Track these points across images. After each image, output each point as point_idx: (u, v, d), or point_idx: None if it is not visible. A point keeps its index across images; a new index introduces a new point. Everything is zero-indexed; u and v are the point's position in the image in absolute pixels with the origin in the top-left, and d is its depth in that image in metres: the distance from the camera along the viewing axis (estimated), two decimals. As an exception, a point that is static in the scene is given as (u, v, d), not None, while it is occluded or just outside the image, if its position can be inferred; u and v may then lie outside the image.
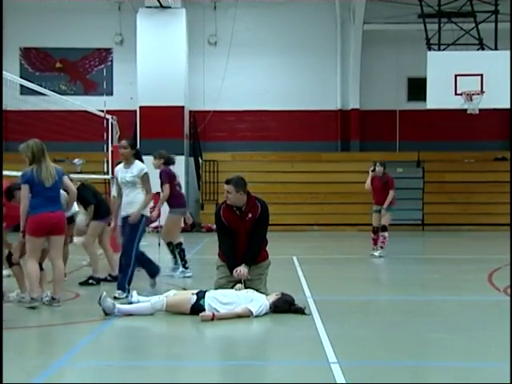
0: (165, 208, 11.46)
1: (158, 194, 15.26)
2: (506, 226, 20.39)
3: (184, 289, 9.19)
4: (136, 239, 8.96)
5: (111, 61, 23.66)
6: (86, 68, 23.74)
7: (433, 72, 17.48)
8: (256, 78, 23.38)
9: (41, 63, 23.65)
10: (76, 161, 17.12)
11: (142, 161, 9.23)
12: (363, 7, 22.22)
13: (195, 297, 7.72)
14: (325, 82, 23.59)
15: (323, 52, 23.53)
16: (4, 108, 10.10)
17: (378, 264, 13.60)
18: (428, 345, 6.65)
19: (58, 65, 23.63)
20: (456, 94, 17.31)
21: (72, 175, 10.58)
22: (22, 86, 13.91)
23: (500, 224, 21.17)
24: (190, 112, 23.17)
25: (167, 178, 11.00)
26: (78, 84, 23.69)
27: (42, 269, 8.76)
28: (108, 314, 7.68)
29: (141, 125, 21.94)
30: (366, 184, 14.22)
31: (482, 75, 17.26)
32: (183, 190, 11.63)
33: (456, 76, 17.27)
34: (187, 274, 11.08)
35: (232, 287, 8.16)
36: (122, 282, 8.90)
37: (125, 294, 8.70)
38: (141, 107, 21.89)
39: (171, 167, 11.45)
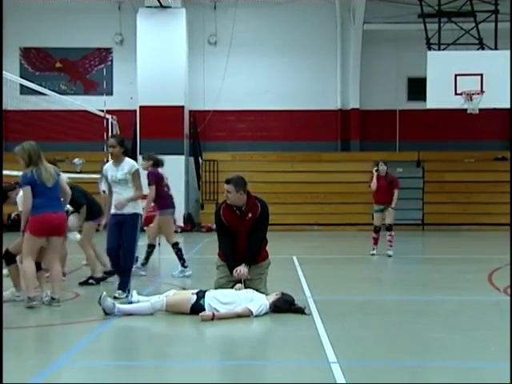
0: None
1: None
2: (505, 225, 20.40)
3: (184, 288, 9.20)
4: (136, 239, 8.96)
5: (111, 60, 23.67)
6: (86, 68, 23.74)
7: (433, 72, 17.48)
8: (256, 77, 23.38)
9: (41, 63, 23.66)
10: (76, 160, 17.13)
11: (131, 157, 9.16)
12: (363, 7, 22.22)
13: (195, 296, 7.72)
14: (325, 81, 23.60)
15: (323, 52, 23.53)
16: (4, 108, 10.12)
17: (378, 264, 13.60)
18: (428, 345, 6.65)
19: (58, 64, 23.64)
20: (456, 93, 17.32)
21: (70, 175, 10.60)
22: (22, 85, 13.93)
23: (500, 224, 21.17)
24: (190, 112, 23.17)
25: (154, 179, 11.00)
26: (77, 84, 23.70)
27: (40, 268, 8.77)
28: (108, 313, 7.68)
29: (141, 124, 21.94)
30: (372, 184, 14.16)
31: (481, 75, 17.26)
32: (172, 191, 11.57)
33: (456, 76, 17.27)
34: (187, 273, 11.08)
35: (232, 287, 8.16)
36: (124, 282, 8.89)
37: (125, 294, 8.70)
38: (141, 107, 21.90)
39: (160, 169, 11.43)
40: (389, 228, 14.20)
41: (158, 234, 11.55)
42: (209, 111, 23.44)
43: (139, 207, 9.03)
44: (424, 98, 17.83)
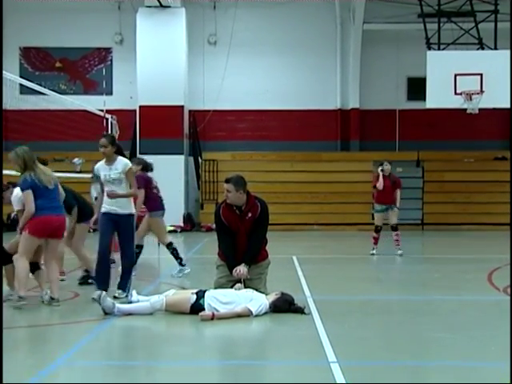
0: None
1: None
2: (505, 225, 20.41)
3: (183, 288, 9.19)
4: (133, 239, 8.97)
5: (111, 60, 23.66)
6: (86, 67, 23.73)
7: (432, 71, 17.48)
8: (256, 77, 23.37)
9: (40, 63, 23.65)
10: (75, 160, 17.13)
11: (124, 156, 9.06)
12: (363, 7, 22.23)
13: (195, 296, 7.72)
14: (325, 81, 23.59)
15: (323, 52, 23.53)
16: (4, 107, 10.11)
17: (377, 263, 13.61)
18: (428, 344, 6.65)
19: (57, 64, 23.64)
20: (456, 93, 17.32)
21: (69, 174, 10.58)
22: (21, 85, 13.93)
23: (500, 224, 21.18)
24: (190, 111, 23.17)
25: (143, 182, 10.98)
26: (77, 83, 23.69)
27: (39, 267, 8.78)
28: (108, 313, 7.68)
29: (140, 124, 21.94)
30: (379, 183, 14.13)
31: (481, 75, 17.26)
32: (162, 193, 11.58)
33: (456, 75, 17.27)
34: (186, 271, 11.09)
35: (232, 287, 8.16)
36: (124, 281, 8.89)
37: (125, 294, 8.70)
38: (140, 107, 21.89)
39: (149, 173, 11.46)
40: (395, 228, 14.24)
41: (145, 234, 11.53)
42: (208, 111, 23.44)
43: (133, 208, 9.00)
44: (424, 98, 17.83)
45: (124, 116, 20.77)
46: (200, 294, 7.73)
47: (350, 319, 7.65)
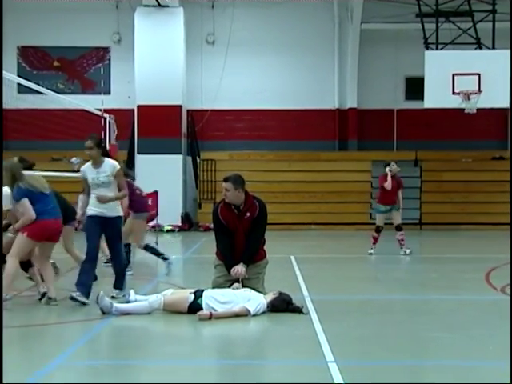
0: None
1: (156, 192, 15.29)
2: (503, 225, 20.43)
3: (182, 288, 9.19)
4: (121, 240, 8.95)
5: (109, 59, 23.64)
6: (84, 67, 23.71)
7: (430, 71, 17.48)
8: (254, 77, 23.37)
9: (38, 62, 23.62)
10: (73, 160, 17.12)
11: (110, 157, 8.93)
12: (361, 6, 22.23)
13: (193, 296, 7.72)
14: (323, 81, 23.59)
15: (321, 51, 23.53)
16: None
17: (375, 263, 13.61)
18: (426, 344, 6.66)
19: (55, 63, 23.61)
20: (453, 93, 17.32)
21: (68, 174, 10.56)
22: (19, 84, 13.90)
23: (498, 223, 21.19)
24: (188, 111, 23.15)
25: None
26: (75, 83, 23.67)
27: (31, 265, 8.84)
28: (106, 313, 7.68)
29: (138, 124, 21.93)
30: (387, 184, 14.11)
31: (479, 74, 17.27)
32: (144, 193, 11.58)
33: (454, 75, 17.28)
34: (170, 260, 11.17)
35: (229, 286, 8.16)
36: (120, 281, 8.89)
37: (122, 293, 8.69)
38: (138, 106, 21.88)
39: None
40: (400, 228, 14.23)
41: (129, 234, 11.52)
42: (207, 110, 23.44)
43: (121, 210, 8.90)
44: (422, 98, 17.83)
45: (122, 115, 20.73)
46: (198, 294, 7.73)
47: (347, 319, 7.66)
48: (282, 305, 7.84)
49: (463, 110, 17.59)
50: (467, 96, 17.27)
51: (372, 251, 14.27)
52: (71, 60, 23.61)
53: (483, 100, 17.27)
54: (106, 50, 23.67)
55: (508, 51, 17.59)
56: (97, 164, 8.65)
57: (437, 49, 18.35)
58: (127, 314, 7.70)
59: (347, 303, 8.75)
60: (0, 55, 13.07)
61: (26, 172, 8.69)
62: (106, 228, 8.62)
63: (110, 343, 6.97)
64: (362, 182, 22.41)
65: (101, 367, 5.84)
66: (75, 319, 7.75)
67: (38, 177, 8.65)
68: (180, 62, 22.10)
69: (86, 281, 8.45)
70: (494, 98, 17.45)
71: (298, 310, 7.81)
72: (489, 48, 18.22)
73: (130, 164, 22.00)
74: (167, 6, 21.69)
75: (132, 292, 8.05)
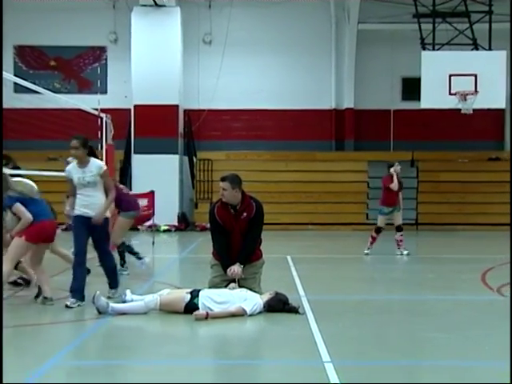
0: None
1: (152, 192, 15.29)
2: (500, 225, 20.48)
3: (178, 288, 9.17)
4: (108, 240, 8.95)
5: (105, 59, 23.62)
6: (81, 66, 23.68)
7: (427, 72, 17.49)
8: (251, 77, 23.36)
9: (35, 61, 23.59)
10: (70, 159, 17.04)
11: (96, 157, 8.85)
12: (358, 7, 22.25)
13: (189, 296, 7.71)
14: (319, 81, 23.60)
15: (318, 51, 23.53)
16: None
17: (372, 263, 13.61)
18: (422, 344, 6.66)
19: (52, 63, 23.57)
20: (450, 93, 17.32)
21: (62, 173, 10.43)
22: (15, 83, 13.90)
23: (495, 224, 21.22)
24: (185, 111, 23.15)
25: None
26: (72, 82, 23.64)
27: (19, 261, 8.87)
28: (102, 312, 7.67)
29: (135, 123, 21.91)
30: (394, 185, 14.12)
31: (475, 75, 17.27)
32: (131, 192, 11.63)
33: (450, 76, 17.28)
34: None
35: (226, 286, 8.15)
36: (114, 280, 8.88)
37: (118, 293, 8.68)
38: (135, 106, 21.87)
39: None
40: (401, 228, 14.24)
41: (118, 232, 11.47)
42: (203, 110, 23.42)
43: (108, 211, 8.81)
44: (418, 98, 17.83)
45: (119, 115, 20.64)
46: (194, 294, 7.72)
47: (344, 319, 7.66)
48: (279, 305, 7.84)
49: (460, 110, 17.59)
50: (464, 96, 17.28)
51: (368, 251, 14.26)
52: (68, 59, 23.58)
53: (479, 101, 17.28)
54: (103, 49, 23.65)
55: (504, 52, 17.64)
56: (82, 164, 8.57)
57: (433, 49, 18.36)
58: (123, 313, 7.69)
59: (343, 303, 8.75)
60: (0, 57, 13.05)
61: (14, 179, 8.65)
62: (92, 229, 8.47)
63: (106, 343, 6.95)
64: (358, 183, 22.43)
65: (97, 367, 5.83)
66: (71, 319, 7.74)
67: (24, 183, 8.61)
68: (177, 62, 22.10)
69: (78, 287, 8.40)
70: (490, 99, 17.46)
71: (294, 310, 7.80)
72: (485, 49, 18.23)
73: (126, 164, 22.02)
74: (164, 6, 21.68)
75: (128, 292, 8.04)
